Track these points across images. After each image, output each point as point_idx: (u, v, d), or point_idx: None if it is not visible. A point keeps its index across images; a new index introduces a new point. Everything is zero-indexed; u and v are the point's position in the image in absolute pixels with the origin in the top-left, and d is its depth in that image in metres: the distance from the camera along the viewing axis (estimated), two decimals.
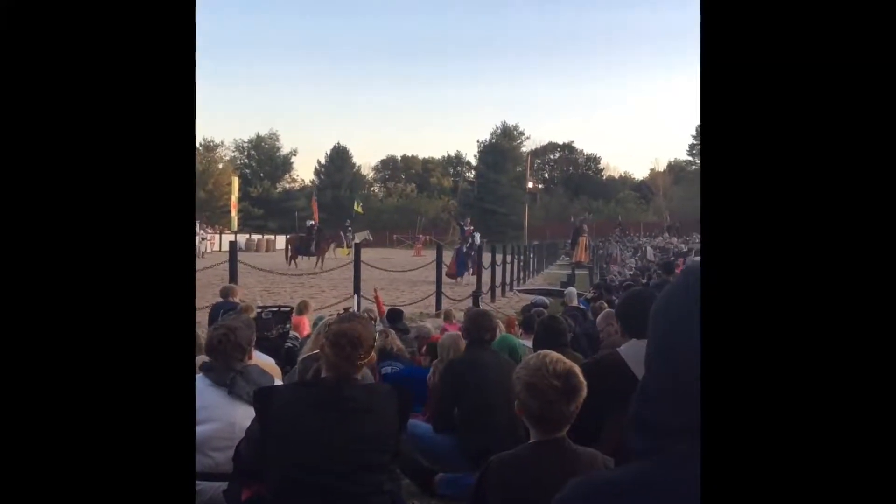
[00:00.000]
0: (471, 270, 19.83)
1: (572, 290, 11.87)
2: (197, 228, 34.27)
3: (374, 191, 70.44)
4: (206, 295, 14.26)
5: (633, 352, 2.98)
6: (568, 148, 73.83)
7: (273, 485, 2.43)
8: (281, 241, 43.50)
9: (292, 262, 23.82)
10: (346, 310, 7.98)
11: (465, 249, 21.37)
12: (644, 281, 14.77)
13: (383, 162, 73.16)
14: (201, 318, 10.14)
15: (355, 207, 38.43)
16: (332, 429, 2.35)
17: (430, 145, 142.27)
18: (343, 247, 29.06)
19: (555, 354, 2.20)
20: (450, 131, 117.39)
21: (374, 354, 2.55)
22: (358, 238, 29.73)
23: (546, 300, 10.83)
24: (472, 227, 24.40)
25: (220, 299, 8.52)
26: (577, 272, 22.58)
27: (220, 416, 3.08)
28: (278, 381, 3.51)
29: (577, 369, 2.15)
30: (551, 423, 2.12)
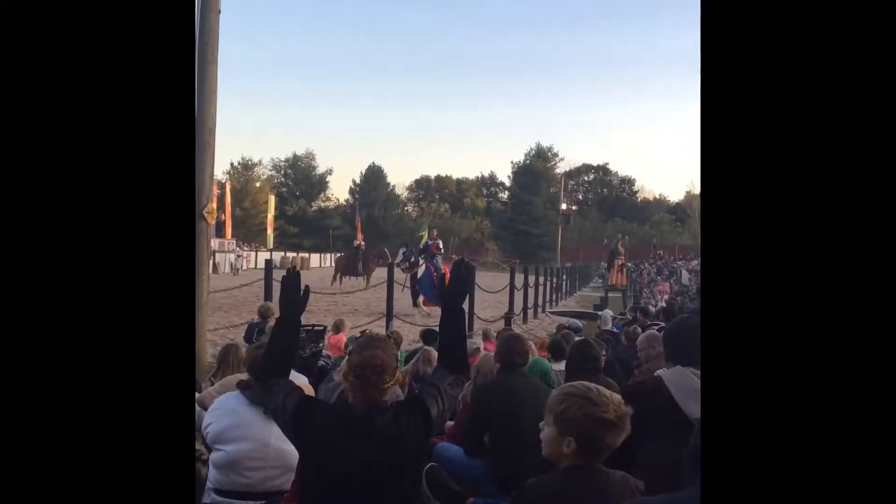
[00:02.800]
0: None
1: (608, 313, 11.77)
2: (233, 246, 34.71)
3: (407, 210, 70.77)
4: (241, 312, 14.45)
5: (675, 378, 2.97)
6: (602, 169, 73.59)
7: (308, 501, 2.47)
8: (315, 259, 43.96)
9: (336, 281, 24.05)
10: (363, 332, 7.94)
11: (427, 270, 17.78)
12: (679, 305, 14.59)
13: (417, 182, 73.60)
14: (236, 335, 10.26)
15: (424, 235, 39.70)
16: (363, 457, 2.36)
17: (464, 166, 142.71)
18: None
19: (604, 390, 2.19)
20: (484, 152, 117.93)
21: (400, 375, 2.55)
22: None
23: (580, 323, 10.76)
24: (438, 241, 19.78)
25: (256, 317, 8.56)
26: (610, 295, 22.38)
27: (255, 435, 3.10)
28: None
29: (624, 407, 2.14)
30: (597, 454, 2.12)
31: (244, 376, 3.39)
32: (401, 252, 21.04)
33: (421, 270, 17.89)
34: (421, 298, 17.41)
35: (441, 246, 19.65)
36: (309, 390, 3.99)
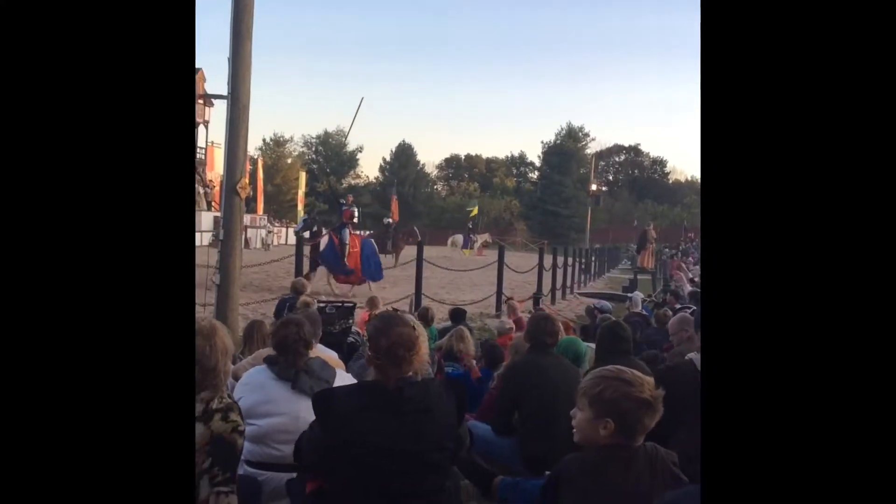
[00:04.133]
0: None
1: (638, 295, 11.70)
2: (264, 222, 35.00)
3: (437, 189, 70.68)
4: (272, 287, 14.61)
5: None
6: (634, 150, 72.71)
7: (335, 483, 2.47)
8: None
9: None
10: (370, 307, 7.87)
11: (330, 240, 15.58)
12: None
13: (447, 160, 73.39)
14: (267, 310, 10.37)
15: (472, 212, 40.79)
16: (393, 430, 2.36)
17: (494, 145, 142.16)
18: (468, 247, 30.95)
19: (636, 371, 2.20)
20: (514, 131, 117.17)
21: (423, 354, 2.54)
22: (480, 240, 31.09)
23: (609, 304, 10.71)
24: (353, 208, 16.99)
25: (287, 293, 8.64)
26: (640, 277, 22.23)
27: (285, 409, 3.14)
28: (341, 373, 3.56)
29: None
30: (633, 435, 2.13)
31: (272, 351, 3.43)
32: (301, 220, 18.92)
33: (324, 242, 15.60)
34: (320, 271, 15.36)
35: (356, 214, 16.86)
36: (339, 365, 4.03)
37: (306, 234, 16.02)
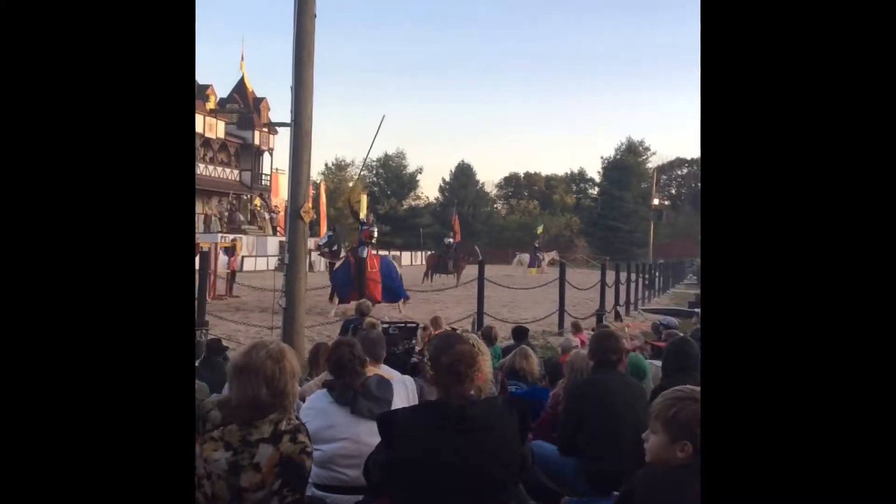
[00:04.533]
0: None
1: None
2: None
3: (496, 208, 70.65)
4: (336, 309, 14.79)
5: None
6: (696, 163, 71.32)
7: (402, 503, 2.49)
8: (406, 257, 44.49)
9: (427, 279, 24.34)
10: (433, 327, 7.84)
11: (346, 262, 14.85)
12: None
13: (506, 179, 73.34)
14: (332, 332, 10.51)
15: (539, 231, 41.37)
16: (456, 449, 2.37)
17: (554, 162, 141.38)
18: (535, 266, 31.23)
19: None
20: (573, 148, 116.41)
21: (486, 373, 2.54)
22: (547, 258, 31.26)
23: (675, 321, 10.49)
24: (373, 227, 15.65)
25: (353, 315, 8.75)
26: None
27: (347, 434, 3.18)
28: (398, 385, 3.58)
29: None
30: None
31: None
32: (326, 234, 17.48)
33: (339, 262, 14.90)
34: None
35: (375, 234, 15.70)
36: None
37: (329, 250, 15.60)
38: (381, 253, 16.96)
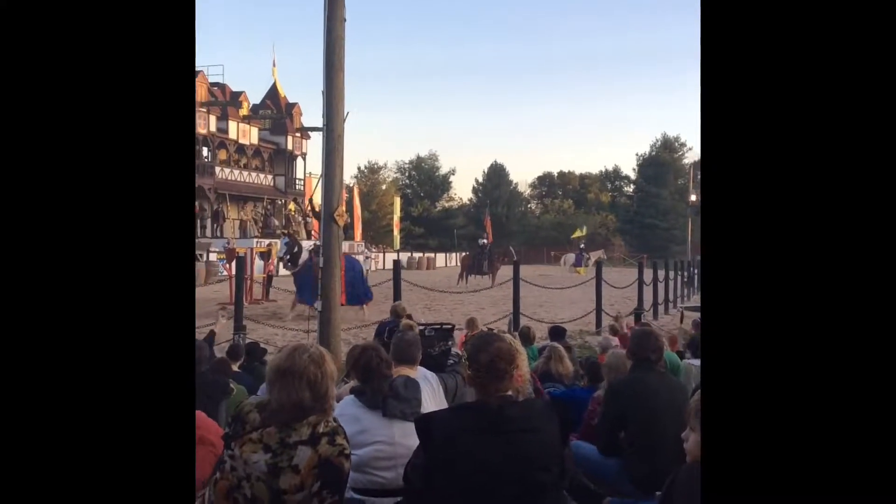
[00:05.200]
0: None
1: None
2: (362, 248, 35.76)
3: (530, 207, 70.43)
4: (372, 312, 14.85)
5: None
6: None
7: None
8: (441, 258, 44.58)
9: (462, 280, 24.36)
10: (468, 328, 7.81)
11: (309, 264, 13.68)
12: None
13: (539, 178, 73.06)
14: (367, 334, 10.55)
15: (579, 233, 41.74)
16: (496, 451, 2.34)
17: (588, 160, 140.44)
18: (581, 265, 31.41)
19: None
20: (608, 145, 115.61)
21: (524, 372, 2.52)
22: (593, 257, 31.56)
23: None
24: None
25: (388, 316, 8.77)
26: None
27: (380, 437, 3.17)
28: (424, 381, 3.57)
29: None
30: None
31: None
32: (282, 243, 16.23)
33: (302, 260, 14.14)
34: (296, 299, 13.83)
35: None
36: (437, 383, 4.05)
37: (287, 257, 14.70)
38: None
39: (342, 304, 13.37)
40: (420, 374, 3.76)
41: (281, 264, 15.04)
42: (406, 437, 2.92)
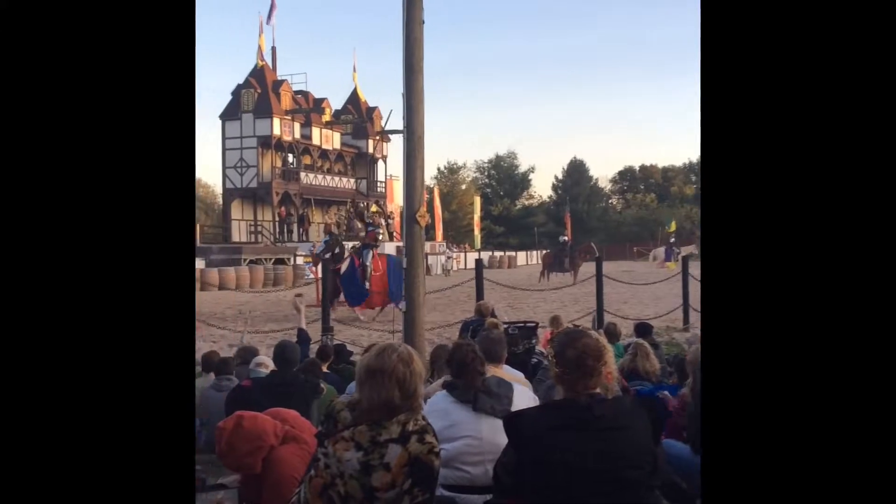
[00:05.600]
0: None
1: None
2: (443, 248, 35.99)
3: (612, 203, 69.29)
4: (454, 311, 14.94)
5: None
6: None
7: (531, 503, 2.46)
8: (522, 257, 44.38)
9: (543, 278, 24.25)
10: (552, 326, 7.74)
11: (351, 264, 14.27)
12: None
13: (621, 173, 71.81)
14: (451, 333, 10.61)
15: (671, 228, 41.57)
16: (586, 449, 2.32)
17: (670, 153, 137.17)
18: (672, 260, 31.31)
19: None
20: (691, 137, 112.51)
21: (612, 370, 2.49)
22: (685, 252, 31.44)
23: None
24: (378, 229, 15.21)
25: (472, 315, 8.80)
26: None
27: (469, 431, 3.19)
28: (522, 389, 3.56)
29: None
30: None
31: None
32: (323, 241, 16.25)
33: (345, 265, 14.23)
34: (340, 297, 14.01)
35: (379, 237, 15.15)
36: (525, 385, 4.04)
37: (327, 256, 14.83)
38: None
39: (381, 304, 13.82)
40: (517, 383, 3.74)
41: (320, 264, 14.94)
42: (494, 433, 2.92)
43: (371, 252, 14.54)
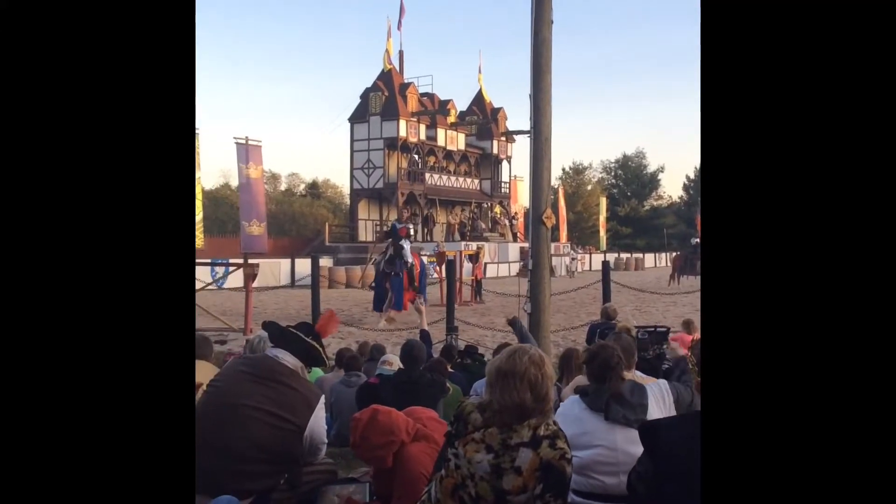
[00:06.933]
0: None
1: None
2: (568, 249, 35.60)
3: None
4: (580, 313, 14.74)
5: None
6: None
7: None
8: (650, 259, 43.23)
9: (673, 281, 23.55)
10: (686, 330, 7.50)
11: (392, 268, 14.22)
12: None
13: None
14: (576, 336, 10.45)
15: None
16: None
17: None
18: None
19: None
20: None
21: None
22: None
23: None
24: (408, 224, 15.50)
25: (597, 318, 8.66)
26: None
27: (601, 440, 3.12)
28: (654, 387, 3.45)
29: None
30: None
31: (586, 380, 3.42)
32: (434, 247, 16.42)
33: (415, 261, 14.33)
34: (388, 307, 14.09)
35: (412, 231, 15.13)
36: (656, 381, 3.91)
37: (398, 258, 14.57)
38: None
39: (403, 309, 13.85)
40: (652, 382, 3.64)
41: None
42: (629, 443, 2.84)
43: (407, 248, 14.57)
